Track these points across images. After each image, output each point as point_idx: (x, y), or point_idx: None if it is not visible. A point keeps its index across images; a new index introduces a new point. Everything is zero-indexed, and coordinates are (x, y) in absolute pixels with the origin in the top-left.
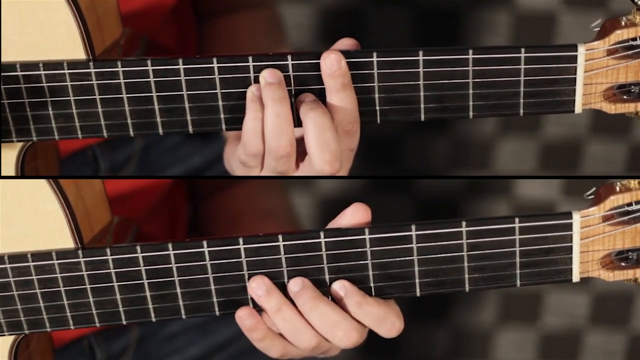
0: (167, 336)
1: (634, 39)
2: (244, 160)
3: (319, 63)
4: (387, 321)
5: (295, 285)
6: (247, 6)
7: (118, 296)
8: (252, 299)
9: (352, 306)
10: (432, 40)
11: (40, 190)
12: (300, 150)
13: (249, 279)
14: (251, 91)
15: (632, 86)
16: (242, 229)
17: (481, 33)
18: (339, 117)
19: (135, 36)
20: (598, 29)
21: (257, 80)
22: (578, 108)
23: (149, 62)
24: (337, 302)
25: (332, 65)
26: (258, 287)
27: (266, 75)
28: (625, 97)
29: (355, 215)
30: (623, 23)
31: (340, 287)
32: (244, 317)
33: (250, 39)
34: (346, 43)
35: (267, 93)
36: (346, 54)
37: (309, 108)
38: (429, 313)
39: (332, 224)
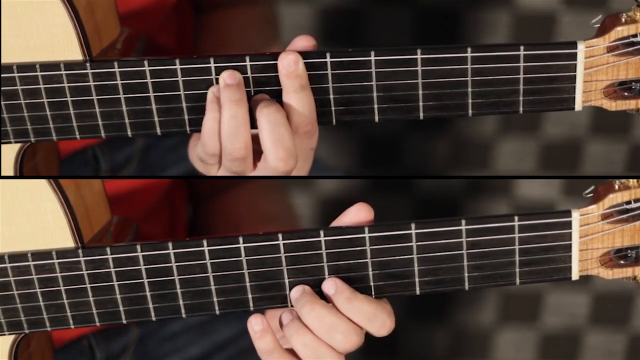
0: (167, 336)
1: (635, 36)
2: (202, 157)
3: (318, 62)
4: (378, 319)
5: (296, 292)
6: (244, 2)
7: (118, 295)
8: (253, 297)
9: (342, 302)
10: (432, 41)
11: (40, 189)
12: (258, 149)
13: (248, 277)
14: (212, 92)
15: (633, 83)
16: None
17: (481, 33)
18: (297, 118)
19: (134, 36)
20: (598, 25)
21: (254, 81)
22: (578, 105)
23: (145, 62)
24: (329, 299)
25: (289, 66)
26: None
27: (225, 77)
28: (626, 94)
29: (358, 214)
30: (623, 20)
31: (331, 284)
32: (255, 322)
33: (243, 35)
34: (302, 44)
35: (225, 95)
36: (303, 55)
37: (263, 105)
38: (429, 313)
39: (335, 223)
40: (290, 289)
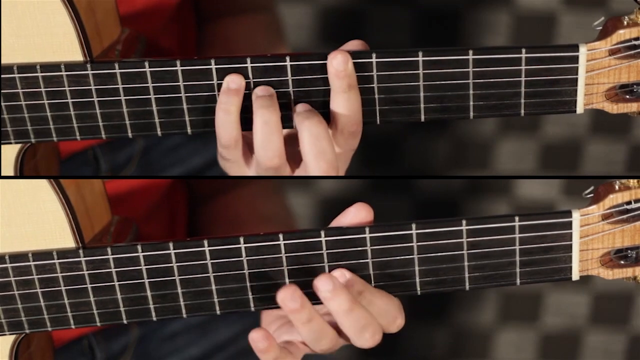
0: (167, 336)
1: (637, 39)
2: (220, 152)
3: (318, 64)
4: (389, 314)
5: (326, 285)
6: (248, 10)
7: (119, 295)
8: (254, 298)
9: (354, 295)
10: (432, 41)
11: (41, 190)
12: (292, 151)
13: (249, 277)
14: (226, 81)
15: (635, 86)
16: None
17: (481, 33)
18: (344, 118)
19: (134, 37)
20: (600, 27)
21: (255, 84)
22: (580, 108)
23: (146, 63)
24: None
25: (339, 65)
26: (291, 301)
27: (257, 92)
28: (627, 96)
29: (357, 214)
30: (625, 22)
31: (339, 275)
32: (257, 339)
33: (250, 42)
34: (355, 45)
35: (257, 102)
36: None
37: (305, 117)
38: (429, 313)
39: (334, 223)
40: None
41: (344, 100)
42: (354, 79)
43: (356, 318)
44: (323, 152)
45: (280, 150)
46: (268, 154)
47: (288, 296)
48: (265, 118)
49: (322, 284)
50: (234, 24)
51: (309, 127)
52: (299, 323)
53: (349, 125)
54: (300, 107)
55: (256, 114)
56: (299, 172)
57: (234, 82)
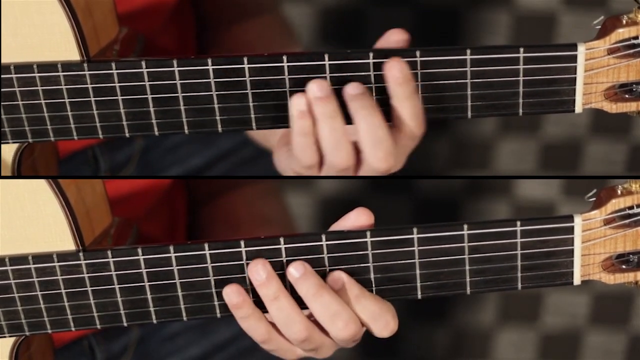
0: (167, 336)
1: (636, 38)
2: (299, 171)
3: (315, 65)
4: (382, 319)
5: (297, 270)
6: (255, 13)
7: (119, 298)
8: (255, 301)
9: (350, 298)
10: (432, 41)
11: (40, 191)
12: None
13: (250, 282)
14: (296, 107)
15: (634, 85)
16: (240, 235)
17: (481, 33)
18: (413, 122)
19: (133, 36)
20: (599, 26)
21: (252, 83)
22: (578, 108)
23: (143, 63)
24: (335, 292)
25: (399, 72)
26: (258, 272)
27: (315, 89)
28: (626, 96)
29: (358, 219)
30: (624, 21)
31: (337, 278)
32: (231, 293)
33: (267, 45)
34: (395, 38)
35: (318, 109)
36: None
37: (359, 106)
38: (429, 313)
39: (334, 227)
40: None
41: (411, 107)
42: (415, 82)
43: (325, 303)
44: (380, 141)
45: (350, 151)
46: (339, 158)
47: (254, 268)
48: (331, 125)
49: (289, 268)
50: (244, 30)
51: (365, 117)
52: (267, 300)
53: (417, 129)
54: (351, 89)
55: (320, 121)
56: (360, 167)
57: (304, 105)
